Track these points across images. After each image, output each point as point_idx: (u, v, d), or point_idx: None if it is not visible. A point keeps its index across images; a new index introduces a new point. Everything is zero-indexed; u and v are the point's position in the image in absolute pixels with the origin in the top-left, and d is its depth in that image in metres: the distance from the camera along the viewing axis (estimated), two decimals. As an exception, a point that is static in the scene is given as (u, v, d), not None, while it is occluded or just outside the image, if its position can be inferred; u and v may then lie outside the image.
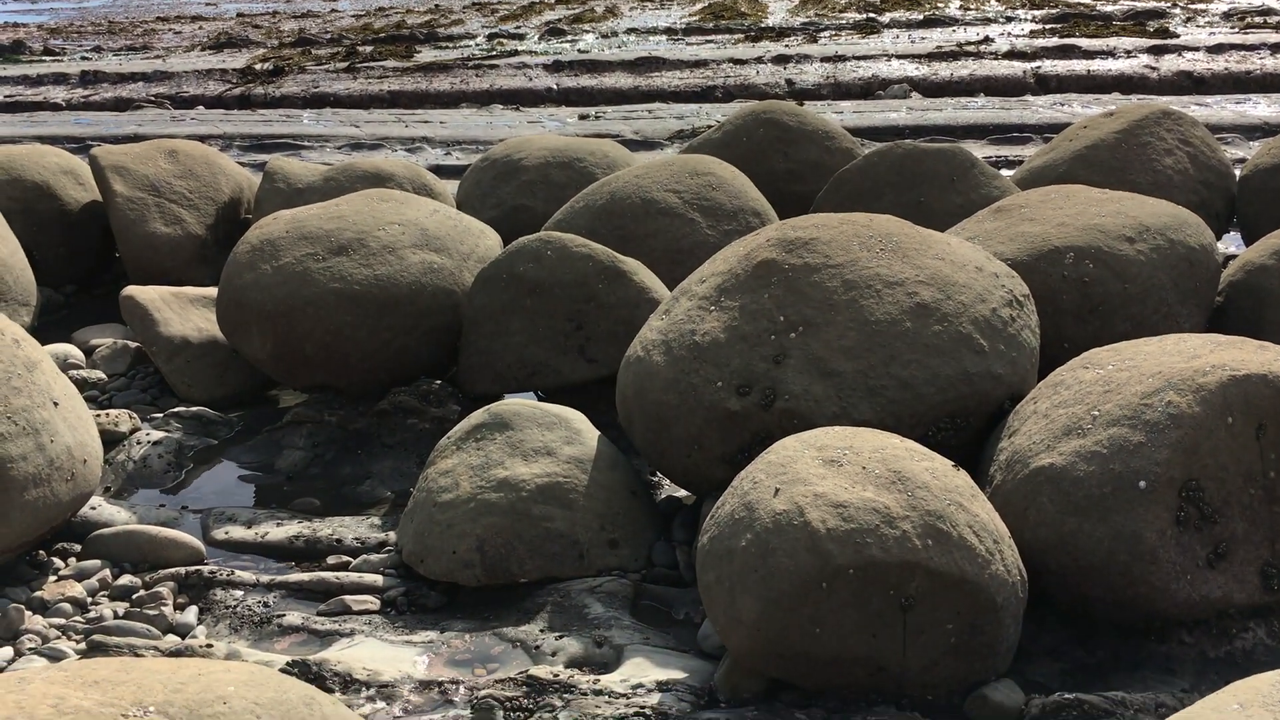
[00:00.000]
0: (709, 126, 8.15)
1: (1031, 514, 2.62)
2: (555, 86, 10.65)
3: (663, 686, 2.57)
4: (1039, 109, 8.58)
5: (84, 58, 13.82)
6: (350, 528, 3.43)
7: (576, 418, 3.31)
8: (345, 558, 3.27)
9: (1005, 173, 6.12)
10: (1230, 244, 5.44)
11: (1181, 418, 2.49)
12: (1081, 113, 8.27)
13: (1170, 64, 9.83)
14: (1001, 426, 2.95)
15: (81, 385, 4.33)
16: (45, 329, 4.78)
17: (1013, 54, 10.45)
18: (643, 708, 2.50)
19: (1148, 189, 4.68)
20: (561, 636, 2.81)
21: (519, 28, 14.20)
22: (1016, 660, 2.55)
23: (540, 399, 3.92)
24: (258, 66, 12.10)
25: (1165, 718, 1.97)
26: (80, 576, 3.13)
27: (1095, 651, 2.65)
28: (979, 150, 7.35)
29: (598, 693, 2.55)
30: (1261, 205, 4.96)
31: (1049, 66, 9.95)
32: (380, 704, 2.59)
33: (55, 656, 2.75)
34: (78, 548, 3.27)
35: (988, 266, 3.23)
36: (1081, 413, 2.66)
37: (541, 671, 2.63)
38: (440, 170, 7.29)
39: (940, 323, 3.02)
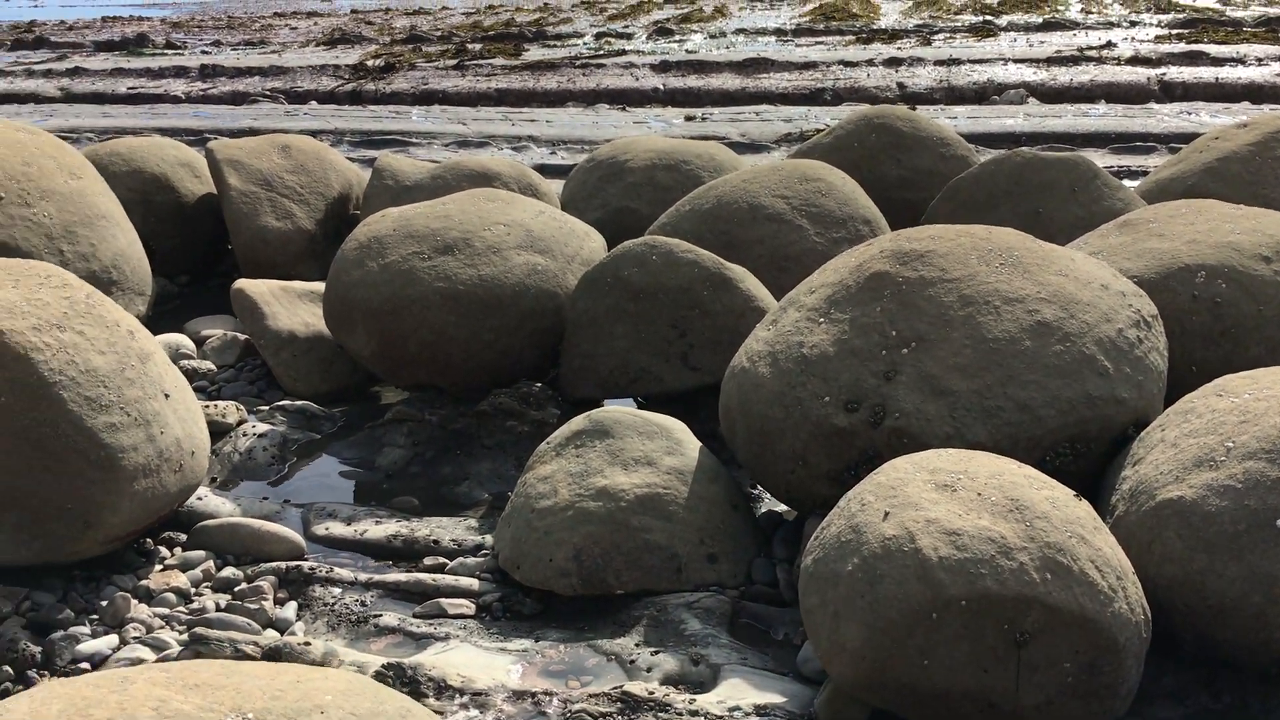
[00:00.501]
0: (817, 130, 8.03)
1: (1157, 549, 2.48)
2: (662, 87, 10.62)
3: (760, 711, 2.50)
4: (1164, 117, 8.27)
5: (204, 51, 14.21)
6: (448, 529, 3.42)
7: (678, 427, 3.25)
8: (442, 559, 3.26)
9: (1128, 184, 5.90)
10: (1370, 264, 5.14)
11: (1326, 454, 2.33)
12: (1210, 122, 7.94)
13: (1305, 72, 9.39)
14: (1125, 454, 2.81)
15: (192, 375, 4.41)
16: (159, 318, 4.89)
17: (1136, 60, 10.11)
18: (740, 731, 2.43)
19: (1283, 205, 4.46)
20: (657, 652, 2.76)
21: (627, 27, 14.21)
22: (1137, 702, 2.42)
23: (641, 406, 3.87)
24: (369, 63, 12.30)
25: (1301, 775, 1.85)
26: (185, 567, 3.18)
27: (1222, 697, 2.50)
28: (1100, 160, 7.11)
29: (694, 713, 2.49)
30: (1407, 224, 4.68)
31: (1175, 73, 9.59)
32: (474, 712, 2.57)
33: (159, 646, 2.79)
34: (183, 537, 3.31)
35: (1114, 284, 3.09)
36: (1214, 443, 2.51)
37: (636, 688, 2.58)
38: (545, 169, 7.30)
39: (1062, 342, 2.89)
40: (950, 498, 2.36)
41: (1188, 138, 7.04)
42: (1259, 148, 4.74)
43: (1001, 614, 2.22)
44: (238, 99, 11.22)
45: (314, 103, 11.00)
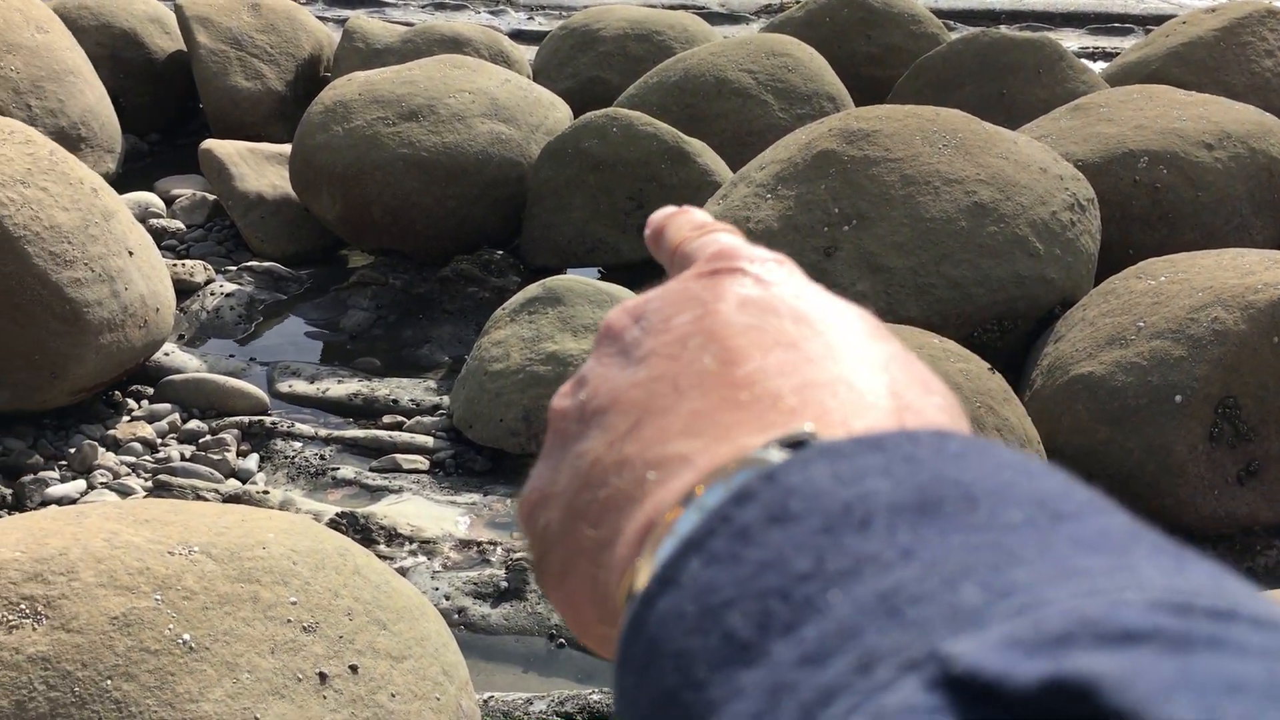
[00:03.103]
0: (796, 1, 7.94)
1: (1066, 420, 2.63)
2: (646, -49, 10.41)
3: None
4: (1147, -2, 8.20)
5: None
6: (407, 389, 3.56)
7: (628, 296, 3.36)
8: (400, 418, 3.40)
9: (1099, 66, 5.91)
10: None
11: (1226, 334, 2.46)
12: (1188, 4, 7.88)
13: (1296, -46, 9.27)
14: (1049, 331, 2.94)
15: (160, 234, 4.48)
16: (129, 176, 4.92)
17: (1127, -64, 9.93)
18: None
19: (1243, 92, 4.51)
20: (597, 507, 2.92)
21: (615, -114, 13.81)
22: (1037, 562, 2.60)
23: (602, 276, 3.97)
24: (349, -83, 11.97)
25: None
26: (151, 419, 3.31)
27: (1117, 559, 2.68)
28: (1076, 40, 7.08)
29: (626, 563, 2.66)
30: (1364, 115, 4.74)
31: (1164, -49, 9.44)
32: (421, 558, 2.74)
33: (124, 491, 2.94)
34: (150, 391, 3.44)
35: (1053, 168, 3.17)
36: (1127, 323, 2.64)
37: (574, 539, 2.75)
38: (520, 35, 7.24)
39: (997, 223, 2.99)
40: (871, 368, 2.49)
41: (1165, 20, 7.00)
42: (1224, 34, 4.76)
43: (910, 477, 2.37)
44: (213, -48, 10.95)
45: (291, -42, 10.74)
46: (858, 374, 0.32)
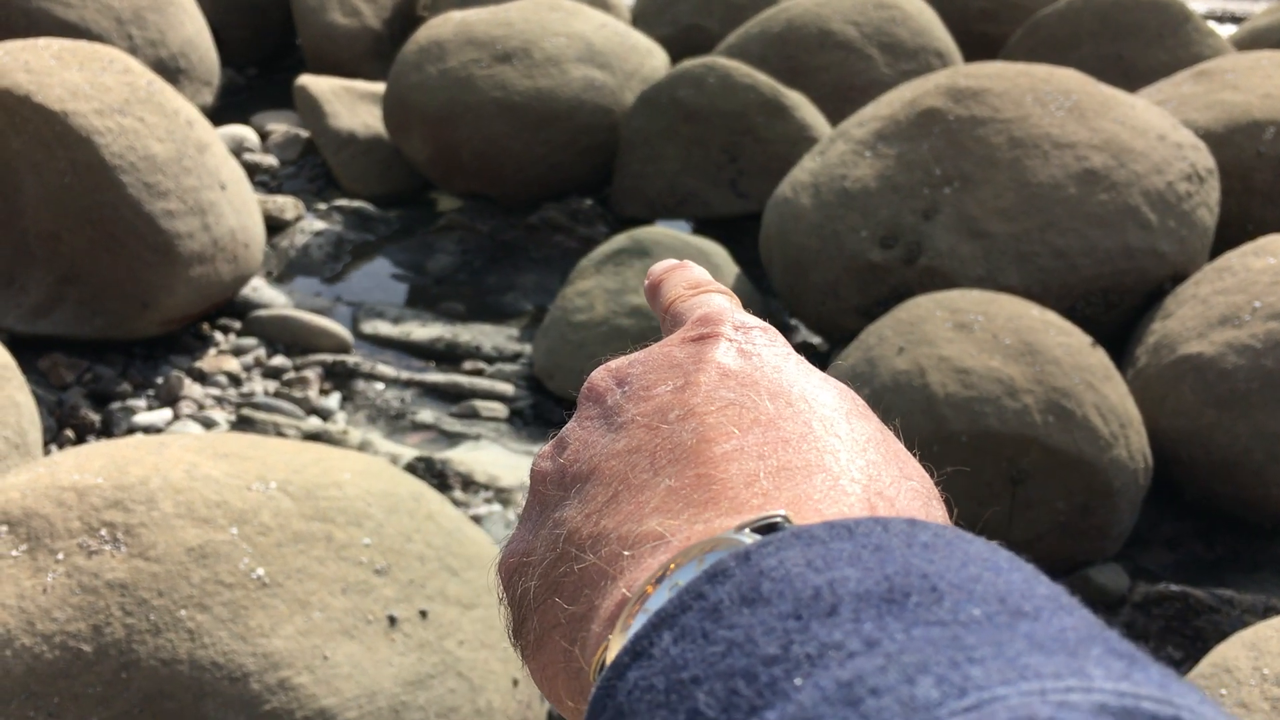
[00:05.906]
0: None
1: (1170, 401, 2.51)
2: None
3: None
4: (1279, -40, 7.78)
5: None
6: (489, 336, 3.54)
7: (717, 252, 3.29)
8: (481, 364, 3.38)
9: (1228, 30, 5.63)
10: None
11: (1352, 321, 2.31)
12: (1327, -32, 7.46)
13: None
14: (1158, 307, 2.80)
15: (254, 169, 4.51)
16: (225, 109, 4.96)
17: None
18: (743, 543, 2.55)
19: (1381, 62, 4.24)
20: (675, 464, 2.87)
21: None
22: (1132, 546, 2.49)
23: (695, 230, 3.90)
24: None
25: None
26: (237, 352, 3.34)
27: (1215, 547, 2.57)
28: (1205, 3, 6.76)
29: (701, 523, 2.62)
30: None
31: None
32: (495, 506, 2.72)
33: (208, 423, 2.97)
34: (238, 325, 3.47)
35: (1172, 135, 3.01)
36: (1242, 302, 2.50)
37: (650, 495, 2.71)
38: (621, -19, 7.11)
39: (1108, 191, 2.85)
40: (966, 337, 2.39)
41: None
42: (1365, -1, 4.48)
43: (1000, 451, 2.29)
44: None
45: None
46: (834, 457, 0.32)
